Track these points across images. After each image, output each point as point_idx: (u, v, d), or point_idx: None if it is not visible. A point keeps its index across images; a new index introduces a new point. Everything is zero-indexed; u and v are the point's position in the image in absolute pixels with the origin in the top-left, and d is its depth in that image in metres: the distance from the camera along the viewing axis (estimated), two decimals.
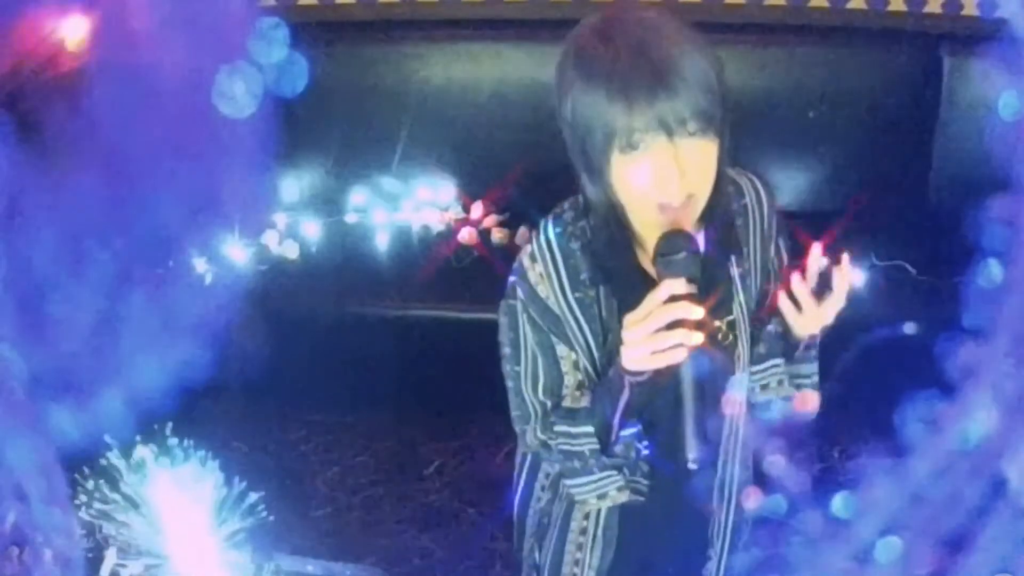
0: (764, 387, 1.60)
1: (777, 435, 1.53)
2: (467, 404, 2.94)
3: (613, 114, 1.30)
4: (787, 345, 1.58)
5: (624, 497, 1.59)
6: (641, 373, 1.38)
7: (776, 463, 1.56)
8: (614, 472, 1.57)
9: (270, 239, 2.99)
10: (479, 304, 2.74)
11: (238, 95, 1.47)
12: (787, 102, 3.04)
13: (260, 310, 2.67)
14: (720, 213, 1.46)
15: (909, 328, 1.94)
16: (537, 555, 1.74)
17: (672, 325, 1.32)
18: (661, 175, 1.32)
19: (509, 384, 1.58)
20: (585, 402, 1.52)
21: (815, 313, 1.49)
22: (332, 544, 2.70)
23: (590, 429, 1.50)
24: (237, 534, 1.46)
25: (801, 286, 1.46)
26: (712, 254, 1.46)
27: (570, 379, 1.53)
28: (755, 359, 1.58)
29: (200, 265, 2.79)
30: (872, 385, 1.92)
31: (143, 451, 1.44)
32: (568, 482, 1.62)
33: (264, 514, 1.47)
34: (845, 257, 1.50)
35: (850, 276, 1.51)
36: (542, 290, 1.48)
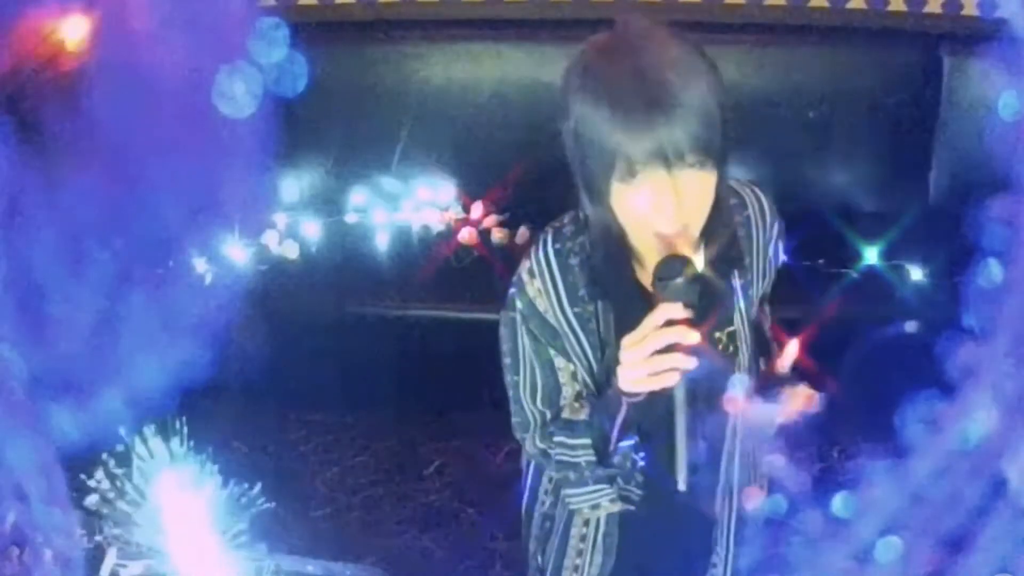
0: None
1: (777, 435, 1.52)
2: (467, 404, 2.94)
3: (614, 143, 1.31)
4: None
5: (616, 507, 1.63)
6: (637, 393, 1.40)
7: (776, 463, 1.56)
8: (607, 485, 1.60)
9: (270, 239, 2.99)
10: (479, 304, 2.74)
11: (238, 95, 1.47)
12: (787, 102, 3.04)
13: (260, 310, 2.68)
14: (720, 230, 1.47)
15: (909, 328, 1.94)
16: (540, 558, 1.76)
17: (669, 348, 1.33)
18: (658, 205, 1.33)
19: (510, 392, 1.60)
20: (584, 415, 1.54)
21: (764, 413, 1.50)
22: (332, 544, 2.70)
23: (587, 441, 1.52)
24: (237, 534, 1.46)
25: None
26: (713, 270, 1.46)
27: (568, 390, 1.55)
28: None
29: (200, 265, 2.79)
30: (872, 385, 1.92)
31: (143, 451, 1.44)
32: (564, 491, 1.65)
33: (264, 514, 1.47)
34: (802, 389, 1.49)
35: (799, 402, 1.49)
36: (540, 304, 1.50)
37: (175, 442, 1.45)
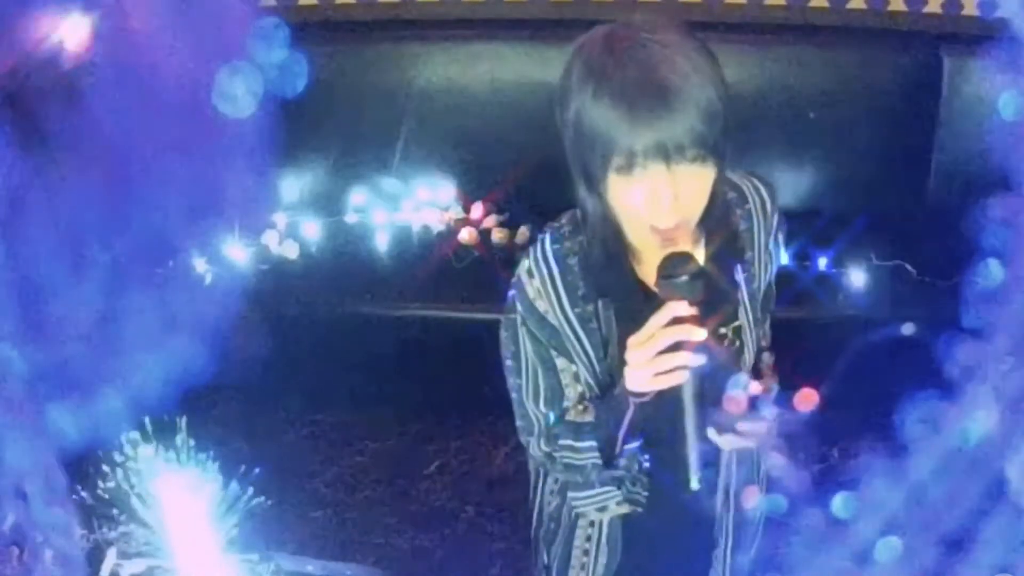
0: None
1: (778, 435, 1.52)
2: (467, 404, 2.95)
3: (613, 135, 1.30)
4: None
5: (624, 510, 1.62)
6: (645, 393, 1.39)
7: (776, 463, 1.56)
8: (613, 488, 1.59)
9: (270, 239, 2.99)
10: (479, 304, 2.74)
11: (238, 95, 1.47)
12: (787, 102, 3.05)
13: (260, 310, 2.68)
14: (721, 223, 1.47)
15: (909, 328, 1.94)
16: (546, 556, 1.76)
17: (675, 346, 1.33)
18: (655, 199, 1.32)
19: (513, 396, 1.59)
20: (589, 416, 1.53)
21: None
22: (332, 544, 2.70)
23: (593, 443, 1.51)
24: (237, 534, 1.46)
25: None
26: (716, 266, 1.46)
27: (571, 391, 1.54)
28: None
29: (200, 265, 2.79)
30: (872, 385, 1.92)
31: (143, 451, 1.44)
32: (570, 494, 1.65)
33: (264, 514, 1.47)
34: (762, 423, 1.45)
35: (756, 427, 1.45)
36: (540, 305, 1.49)
37: (175, 442, 1.45)
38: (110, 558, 1.47)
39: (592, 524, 1.67)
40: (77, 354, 1.39)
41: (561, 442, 1.54)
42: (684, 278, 1.34)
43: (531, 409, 1.57)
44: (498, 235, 3.04)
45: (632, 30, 1.33)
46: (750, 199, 1.56)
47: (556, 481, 1.70)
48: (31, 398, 1.21)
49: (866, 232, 2.87)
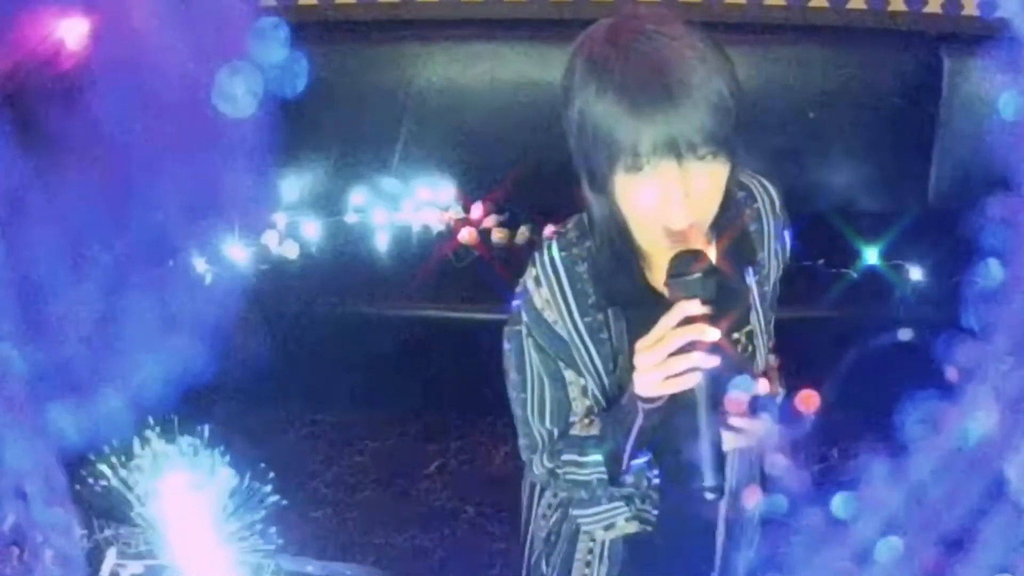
0: None
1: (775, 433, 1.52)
2: (467, 404, 2.94)
3: (620, 133, 1.24)
4: None
5: (632, 528, 1.56)
6: (655, 399, 1.33)
7: (776, 463, 1.55)
8: (621, 503, 1.53)
9: (270, 239, 2.99)
10: (479, 304, 2.74)
11: (238, 95, 1.47)
12: (787, 102, 3.04)
13: (260, 310, 2.68)
14: (731, 224, 1.41)
15: (909, 328, 1.94)
16: (545, 567, 1.71)
17: (686, 348, 1.27)
18: (666, 199, 1.27)
19: (516, 412, 1.52)
20: (594, 430, 1.47)
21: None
22: (332, 544, 2.70)
23: (599, 458, 1.45)
24: (237, 534, 1.46)
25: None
26: (727, 268, 1.41)
27: (578, 406, 1.48)
28: None
29: (200, 265, 2.79)
30: (872, 385, 1.92)
31: (143, 451, 1.44)
32: (575, 512, 1.58)
33: (264, 514, 1.47)
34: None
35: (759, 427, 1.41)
36: (549, 315, 1.42)
37: (175, 442, 1.45)
38: (110, 558, 1.47)
39: (593, 538, 1.62)
40: (77, 354, 1.39)
41: (564, 457, 1.48)
42: (696, 275, 1.28)
43: (535, 426, 1.50)
44: (498, 235, 3.04)
45: (636, 22, 1.28)
46: (759, 199, 1.51)
47: (555, 495, 1.64)
48: (31, 398, 1.21)
49: (866, 232, 2.87)
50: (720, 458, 1.31)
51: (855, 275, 2.82)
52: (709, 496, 1.30)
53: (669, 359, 1.28)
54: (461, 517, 2.83)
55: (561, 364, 1.45)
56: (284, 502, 1.52)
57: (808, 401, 1.48)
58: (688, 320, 1.27)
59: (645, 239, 1.39)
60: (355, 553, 2.64)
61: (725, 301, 1.34)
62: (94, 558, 1.47)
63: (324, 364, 2.82)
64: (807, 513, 1.26)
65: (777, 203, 1.54)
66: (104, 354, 1.43)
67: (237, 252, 2.90)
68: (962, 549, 1.14)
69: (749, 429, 1.39)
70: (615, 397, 1.44)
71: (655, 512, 1.55)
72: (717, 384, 1.31)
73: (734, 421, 1.37)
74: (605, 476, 1.46)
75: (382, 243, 3.03)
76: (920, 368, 1.13)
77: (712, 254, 1.40)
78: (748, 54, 3.02)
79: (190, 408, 1.53)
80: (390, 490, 2.90)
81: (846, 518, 1.19)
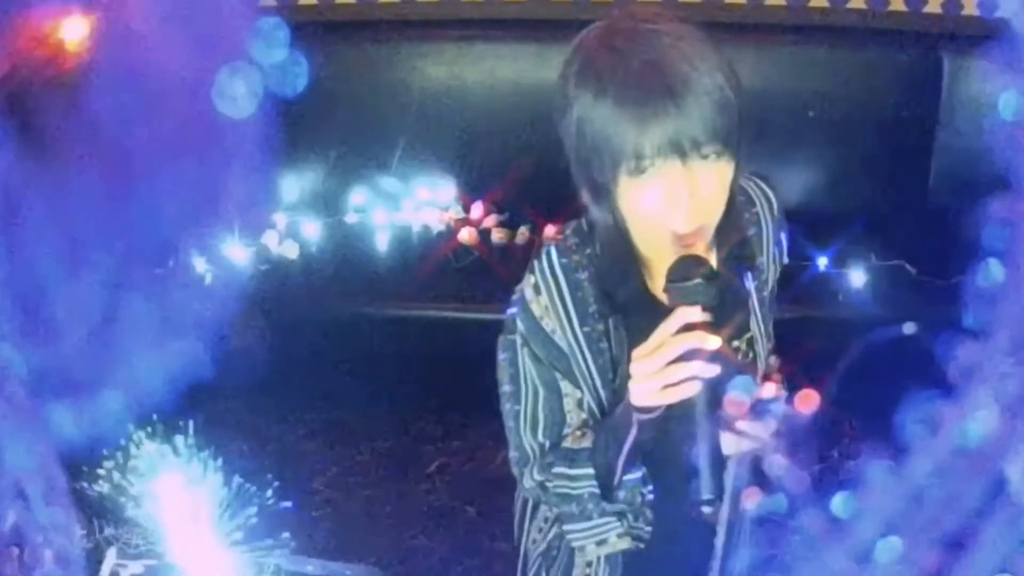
0: None
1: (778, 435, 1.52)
2: (468, 404, 2.94)
3: (622, 134, 1.21)
4: None
5: (625, 544, 1.53)
6: (652, 409, 1.28)
7: (776, 463, 1.55)
8: (613, 518, 1.50)
9: (270, 239, 2.99)
10: (479, 304, 2.74)
11: (238, 95, 1.47)
12: (787, 102, 3.04)
13: (260, 310, 2.68)
14: (733, 228, 1.38)
15: (910, 327, 1.94)
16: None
17: (686, 356, 1.22)
18: (672, 201, 1.23)
19: (508, 424, 1.48)
20: (587, 442, 1.43)
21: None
22: (332, 544, 2.70)
23: (590, 471, 1.41)
24: (237, 534, 1.46)
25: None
26: (728, 273, 1.38)
27: (573, 418, 1.44)
28: None
29: (200, 265, 2.79)
30: (872, 385, 1.92)
31: (143, 451, 1.44)
32: (565, 527, 1.55)
33: (264, 514, 1.47)
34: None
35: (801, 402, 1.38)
36: (547, 324, 1.38)
37: (175, 442, 1.45)
38: (110, 558, 1.47)
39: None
40: (77, 354, 1.39)
41: (555, 470, 1.44)
42: (697, 281, 1.23)
43: (527, 440, 1.46)
44: (498, 235, 3.04)
45: (631, 22, 1.25)
46: (758, 202, 1.49)
47: (551, 509, 1.61)
48: (31, 398, 1.21)
49: (866, 232, 2.87)
50: (718, 471, 1.26)
51: (855, 275, 2.82)
52: (706, 509, 1.26)
53: (667, 367, 1.23)
54: (461, 517, 2.82)
55: (558, 375, 1.41)
56: (284, 502, 1.51)
57: (808, 401, 1.48)
58: (688, 327, 1.23)
59: (647, 245, 1.36)
60: (355, 553, 2.64)
61: (726, 307, 1.31)
62: (94, 558, 1.47)
63: (324, 364, 2.82)
64: (807, 513, 1.26)
65: (776, 206, 1.51)
66: (104, 354, 1.43)
67: (237, 252, 2.90)
68: (962, 549, 1.14)
69: (752, 433, 1.35)
70: (612, 410, 1.40)
71: (648, 529, 1.51)
72: (717, 394, 1.26)
73: (739, 425, 1.32)
74: (597, 490, 1.42)
75: (382, 243, 3.03)
76: (920, 368, 1.13)
77: (713, 259, 1.37)
78: (748, 54, 3.02)
79: (190, 408, 1.53)
80: (390, 490, 2.90)
81: (846, 518, 1.18)
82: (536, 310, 1.39)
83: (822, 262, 2.82)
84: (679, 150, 1.21)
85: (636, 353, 1.27)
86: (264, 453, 2.95)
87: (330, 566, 1.64)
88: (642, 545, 1.53)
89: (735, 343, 1.44)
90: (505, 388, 1.46)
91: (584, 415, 1.44)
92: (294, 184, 3.15)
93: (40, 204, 1.31)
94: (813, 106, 3.05)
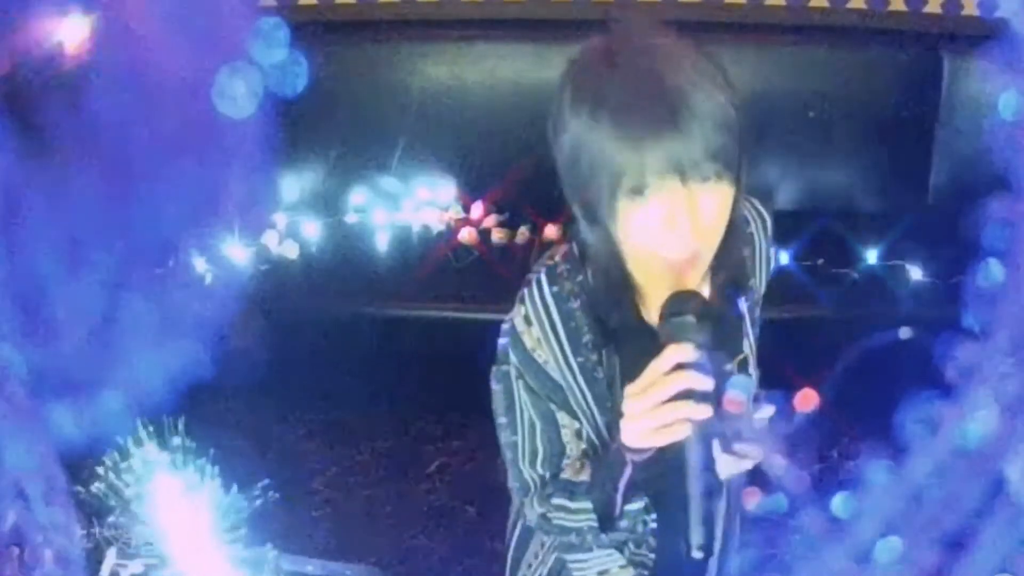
0: None
1: (777, 435, 1.52)
2: (468, 404, 2.93)
3: (620, 157, 1.16)
4: None
5: (628, 574, 1.51)
6: (644, 450, 1.25)
7: (776, 463, 1.55)
8: (614, 551, 1.48)
9: (270, 239, 2.99)
10: (479, 304, 2.74)
11: (238, 95, 1.47)
12: (787, 102, 3.05)
13: (260, 310, 2.68)
14: (732, 253, 1.33)
15: (909, 328, 1.94)
16: None
17: (678, 395, 1.18)
18: (672, 224, 1.19)
19: (507, 455, 1.45)
20: (585, 475, 1.40)
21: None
22: (332, 544, 2.70)
23: (588, 505, 1.38)
24: (237, 534, 1.47)
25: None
26: (723, 300, 1.35)
27: (572, 449, 1.41)
28: None
29: (200, 265, 2.79)
30: (872, 385, 1.92)
31: (143, 451, 1.44)
32: (567, 557, 1.53)
33: (264, 514, 1.47)
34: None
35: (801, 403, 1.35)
36: (540, 355, 1.35)
37: (175, 442, 1.45)
38: (110, 558, 1.47)
39: None
40: (77, 354, 1.39)
41: (555, 501, 1.41)
42: (689, 317, 1.19)
43: (527, 471, 1.43)
44: (498, 235, 3.04)
45: (627, 38, 1.21)
46: (752, 222, 1.46)
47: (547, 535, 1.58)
48: (31, 398, 1.21)
49: (866, 232, 2.87)
50: (709, 520, 1.21)
51: (855, 275, 2.82)
52: (696, 555, 1.21)
53: (658, 408, 1.19)
54: (461, 517, 2.83)
55: (553, 407, 1.38)
56: (284, 502, 1.52)
57: (807, 401, 1.48)
58: (681, 366, 1.18)
59: (642, 272, 1.32)
60: (355, 553, 2.64)
61: (720, 343, 1.25)
62: (94, 558, 1.47)
63: (324, 364, 2.82)
64: (807, 513, 1.25)
65: (769, 225, 1.49)
66: (104, 354, 1.43)
67: (237, 252, 2.90)
68: (962, 549, 1.14)
69: (748, 455, 1.31)
70: (611, 441, 1.36)
71: (651, 556, 1.49)
72: (711, 434, 1.20)
73: (737, 448, 1.27)
74: (595, 524, 1.39)
75: (382, 243, 3.03)
76: (920, 368, 1.13)
77: (708, 285, 1.34)
78: (748, 54, 3.03)
79: (190, 408, 1.53)
80: (390, 490, 2.91)
81: (846, 518, 1.18)
82: (528, 342, 1.36)
83: (822, 262, 2.82)
84: (679, 170, 1.16)
85: (628, 391, 1.23)
86: (264, 453, 2.96)
87: (330, 566, 1.64)
88: (645, 573, 1.51)
89: (727, 367, 1.38)
90: (501, 420, 1.44)
91: (583, 445, 1.41)
92: (294, 184, 3.15)
93: (40, 204, 1.31)
94: (813, 106, 3.05)
